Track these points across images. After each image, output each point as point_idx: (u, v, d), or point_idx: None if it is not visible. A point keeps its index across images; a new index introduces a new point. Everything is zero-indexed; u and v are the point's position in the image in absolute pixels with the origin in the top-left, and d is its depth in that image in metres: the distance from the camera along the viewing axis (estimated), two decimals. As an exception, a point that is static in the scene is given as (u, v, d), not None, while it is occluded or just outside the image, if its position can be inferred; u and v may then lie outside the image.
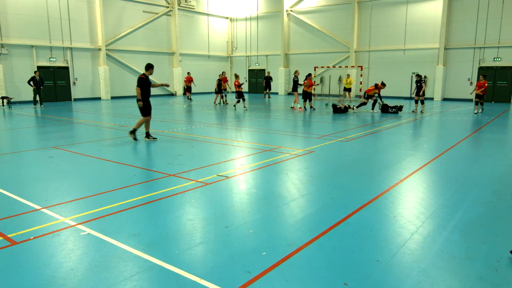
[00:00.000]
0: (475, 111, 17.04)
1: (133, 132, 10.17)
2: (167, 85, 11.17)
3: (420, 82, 16.99)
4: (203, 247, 3.93)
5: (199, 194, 5.69)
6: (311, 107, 18.70)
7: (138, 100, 9.90)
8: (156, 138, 10.35)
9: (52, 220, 4.63)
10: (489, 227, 4.46)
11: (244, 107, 19.19)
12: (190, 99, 25.49)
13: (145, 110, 10.07)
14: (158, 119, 15.25)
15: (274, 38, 32.28)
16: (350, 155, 8.63)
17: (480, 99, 17.08)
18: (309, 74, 18.47)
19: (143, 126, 10.44)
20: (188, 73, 25.96)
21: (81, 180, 6.50)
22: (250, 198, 5.53)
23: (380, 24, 26.86)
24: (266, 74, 28.49)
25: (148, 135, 10.32)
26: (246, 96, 29.73)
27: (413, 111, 17.57)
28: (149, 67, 10.05)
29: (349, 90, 25.15)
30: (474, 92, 17.36)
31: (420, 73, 19.62)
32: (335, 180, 6.58)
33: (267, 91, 27.66)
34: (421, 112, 17.33)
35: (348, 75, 25.39)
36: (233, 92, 35.46)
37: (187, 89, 25.84)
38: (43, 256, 3.74)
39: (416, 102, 17.40)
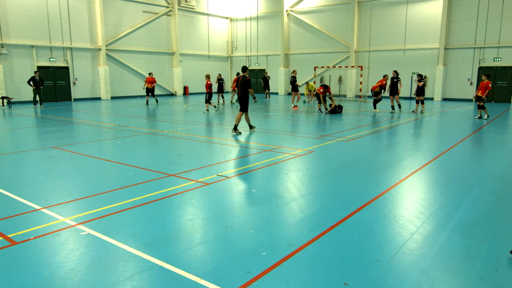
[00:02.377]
0: (478, 115, 15.17)
1: (250, 127, 11.88)
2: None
3: (419, 81, 16.95)
4: (203, 247, 3.93)
5: (199, 194, 5.69)
6: (319, 109, 18.13)
7: (254, 98, 11.73)
8: (241, 133, 11.43)
9: (52, 220, 4.63)
10: (489, 227, 4.46)
11: (215, 107, 18.55)
12: (148, 103, 21.82)
13: (246, 105, 11.51)
14: (158, 119, 15.26)
15: (274, 38, 32.29)
16: (350, 155, 8.63)
17: (479, 101, 14.94)
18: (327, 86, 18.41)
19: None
20: (150, 73, 22.23)
21: (81, 180, 6.50)
22: (250, 198, 5.53)
23: (380, 24, 26.87)
24: (264, 75, 28.29)
25: (236, 128, 11.48)
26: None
27: (413, 111, 17.52)
28: (246, 68, 11.57)
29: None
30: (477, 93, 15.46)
31: (421, 73, 19.47)
32: (335, 180, 6.58)
33: (267, 91, 27.62)
34: (421, 112, 17.28)
35: (307, 83, 24.40)
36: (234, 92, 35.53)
37: (150, 91, 21.56)
38: (43, 256, 3.74)
39: (417, 102, 17.33)
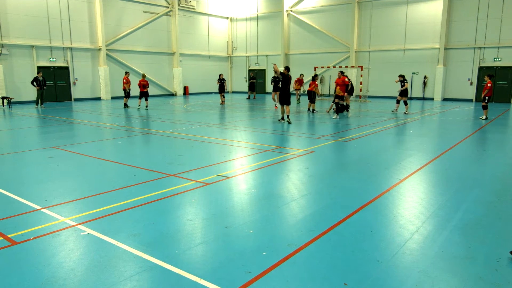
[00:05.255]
0: (485, 116, 14.79)
1: (283, 118, 13.81)
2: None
3: (403, 82, 16.95)
4: (203, 247, 3.93)
5: (199, 194, 5.69)
6: (313, 109, 17.76)
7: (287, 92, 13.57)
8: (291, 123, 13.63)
9: (52, 220, 4.63)
10: (489, 227, 4.46)
11: (146, 107, 19.53)
12: (127, 105, 19.76)
13: (289, 99, 13.66)
14: (158, 119, 15.25)
15: (274, 38, 32.28)
16: (350, 155, 8.62)
17: (484, 102, 14.63)
18: (316, 75, 18.26)
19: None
20: (127, 72, 20.08)
21: (81, 180, 6.50)
22: (250, 198, 5.53)
23: (380, 24, 26.86)
24: (251, 75, 28.01)
25: (287, 117, 13.72)
26: (246, 96, 29.74)
27: (404, 112, 17.10)
28: (289, 68, 13.70)
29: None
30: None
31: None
32: (335, 180, 6.58)
33: (254, 92, 27.51)
34: (405, 113, 17.05)
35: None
36: (235, 92, 35.50)
37: (127, 94, 19.62)
38: (43, 256, 3.74)
39: (405, 103, 17.18)
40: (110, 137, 11.21)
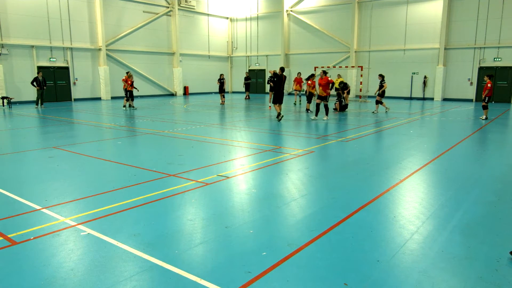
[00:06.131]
0: (484, 116, 14.86)
1: (278, 116, 14.20)
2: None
3: (381, 82, 17.03)
4: (203, 247, 3.93)
5: (199, 194, 5.69)
6: (306, 109, 17.78)
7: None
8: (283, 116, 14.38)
9: (52, 220, 4.63)
10: (489, 227, 4.46)
11: (130, 106, 19.47)
12: (132, 106, 19.50)
13: (282, 98, 14.28)
14: (158, 119, 15.25)
15: (274, 38, 32.29)
16: (350, 155, 8.62)
17: (484, 102, 14.67)
18: (312, 75, 18.19)
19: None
20: (127, 72, 19.61)
21: (81, 180, 6.50)
22: (250, 198, 5.53)
23: (380, 24, 26.86)
24: (246, 76, 27.61)
25: (279, 115, 14.23)
26: (245, 96, 29.75)
27: (373, 112, 17.33)
28: (284, 69, 14.32)
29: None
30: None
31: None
32: (335, 180, 6.58)
33: (247, 92, 27.29)
34: (378, 111, 17.17)
35: (339, 75, 23.40)
36: (234, 92, 35.48)
37: (129, 94, 19.18)
38: (43, 256, 3.73)
39: (380, 102, 17.20)
40: (110, 137, 11.21)
